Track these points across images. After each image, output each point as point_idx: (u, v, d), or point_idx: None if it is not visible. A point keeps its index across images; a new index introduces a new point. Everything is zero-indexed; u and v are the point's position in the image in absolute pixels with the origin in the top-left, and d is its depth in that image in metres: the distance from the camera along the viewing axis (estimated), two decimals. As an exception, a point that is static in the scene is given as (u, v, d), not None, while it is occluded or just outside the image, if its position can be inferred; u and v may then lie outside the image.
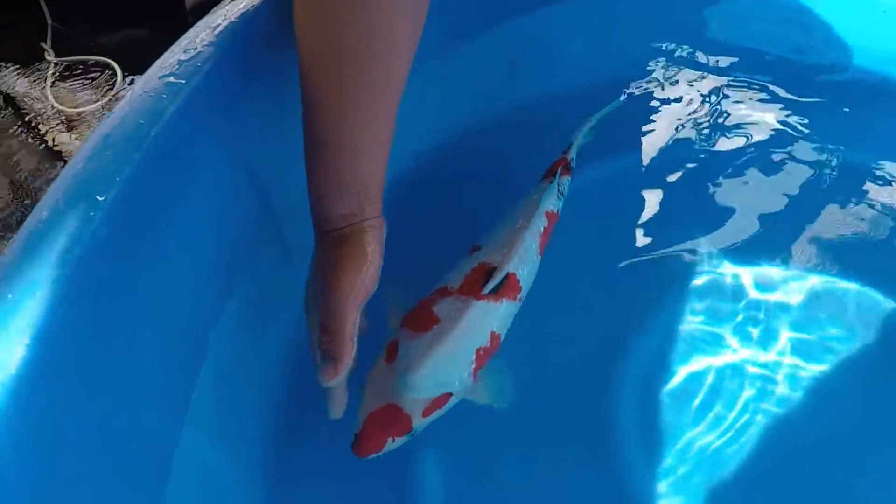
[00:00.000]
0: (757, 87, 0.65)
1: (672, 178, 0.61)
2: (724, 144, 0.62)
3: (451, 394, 0.41)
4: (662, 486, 0.45)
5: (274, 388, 0.48)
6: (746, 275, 0.54)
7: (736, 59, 0.65)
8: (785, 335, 0.51)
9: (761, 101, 0.64)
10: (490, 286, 0.43)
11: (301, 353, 0.42)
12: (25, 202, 1.27)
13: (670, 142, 0.63)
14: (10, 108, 1.40)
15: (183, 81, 0.36)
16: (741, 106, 0.64)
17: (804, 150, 0.60)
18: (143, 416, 0.34)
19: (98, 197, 0.31)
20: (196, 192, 0.38)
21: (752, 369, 0.49)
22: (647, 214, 0.58)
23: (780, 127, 0.62)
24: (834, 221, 0.56)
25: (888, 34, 0.61)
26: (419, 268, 0.47)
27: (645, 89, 0.65)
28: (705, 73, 0.66)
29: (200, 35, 0.39)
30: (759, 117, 0.63)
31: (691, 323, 0.52)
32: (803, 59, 0.64)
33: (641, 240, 0.57)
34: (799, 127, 0.62)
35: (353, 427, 0.40)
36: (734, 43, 0.65)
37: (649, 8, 0.64)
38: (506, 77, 0.64)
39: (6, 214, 1.26)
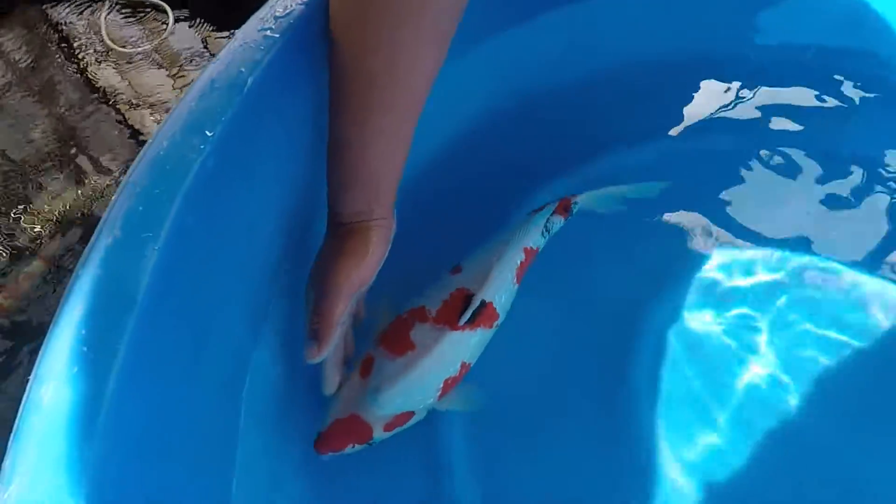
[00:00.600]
0: (799, 81, 0.66)
1: (705, 156, 0.63)
2: (755, 129, 0.64)
3: (413, 413, 0.44)
4: (668, 441, 0.49)
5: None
6: (762, 255, 0.57)
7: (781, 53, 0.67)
8: (794, 315, 0.54)
9: (802, 92, 0.66)
10: (466, 316, 0.45)
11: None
12: (64, 136, 1.31)
13: (701, 123, 0.65)
14: (60, 41, 1.44)
15: (277, 35, 0.41)
16: (783, 92, 0.66)
17: (835, 143, 0.62)
18: (231, 323, 0.40)
19: (207, 132, 0.36)
20: (281, 138, 0.43)
21: (761, 342, 0.53)
22: (672, 189, 0.60)
23: (815, 118, 0.64)
24: (860, 214, 0.58)
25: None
26: (445, 245, 0.51)
27: (682, 74, 0.68)
28: (751, 66, 0.67)
29: (295, -5, 0.43)
30: (800, 103, 0.65)
31: (705, 294, 0.55)
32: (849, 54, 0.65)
33: (664, 213, 0.60)
34: (836, 121, 0.64)
35: (320, 424, 0.43)
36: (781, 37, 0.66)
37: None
38: (543, 63, 0.66)
39: (42, 145, 1.31)
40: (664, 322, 0.54)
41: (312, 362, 0.42)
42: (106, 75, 1.47)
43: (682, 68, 0.66)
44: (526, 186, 0.61)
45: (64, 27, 1.45)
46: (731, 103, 0.67)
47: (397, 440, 0.45)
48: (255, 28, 0.41)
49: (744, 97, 0.67)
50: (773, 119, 0.65)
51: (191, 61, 1.43)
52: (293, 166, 0.45)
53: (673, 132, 0.65)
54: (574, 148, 0.63)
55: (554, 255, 0.53)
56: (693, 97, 0.68)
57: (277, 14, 0.41)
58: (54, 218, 1.18)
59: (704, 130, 0.65)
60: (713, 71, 0.68)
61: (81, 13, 1.44)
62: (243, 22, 0.42)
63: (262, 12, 0.41)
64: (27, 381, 0.29)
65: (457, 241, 0.53)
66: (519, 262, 0.49)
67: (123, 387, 0.29)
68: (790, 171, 0.62)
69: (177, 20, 1.27)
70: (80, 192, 1.20)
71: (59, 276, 1.09)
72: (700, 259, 0.57)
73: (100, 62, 1.48)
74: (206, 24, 1.38)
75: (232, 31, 1.30)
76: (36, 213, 1.18)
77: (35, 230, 1.15)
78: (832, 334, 0.53)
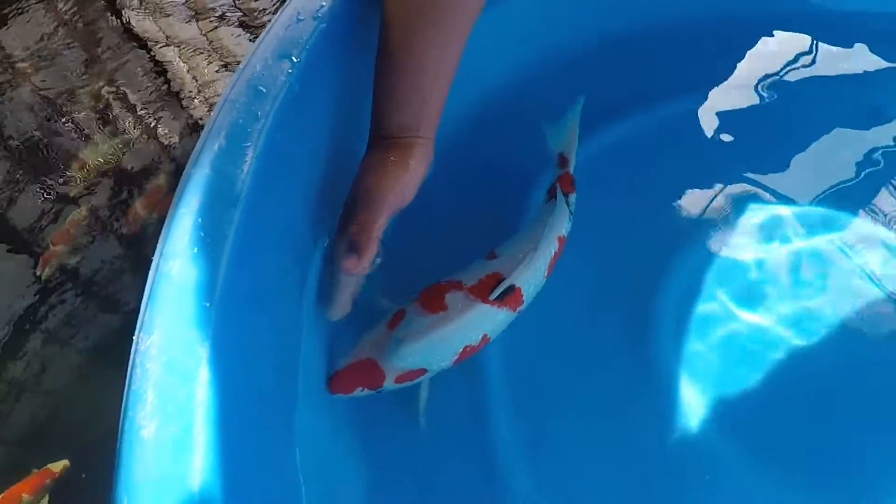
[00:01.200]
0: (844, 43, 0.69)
1: (735, 119, 0.66)
2: (793, 94, 0.67)
3: (425, 371, 0.45)
4: (689, 380, 0.53)
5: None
6: (792, 212, 0.60)
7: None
8: (814, 271, 0.57)
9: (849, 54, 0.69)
10: (497, 292, 0.46)
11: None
12: (99, 83, 1.36)
13: (738, 87, 0.68)
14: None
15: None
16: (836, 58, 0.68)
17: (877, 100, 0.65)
18: (297, 228, 0.45)
19: (294, 58, 0.41)
20: (343, 65, 0.47)
21: (779, 299, 0.56)
22: (706, 150, 0.64)
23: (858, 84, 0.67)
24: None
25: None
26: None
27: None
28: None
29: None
30: (844, 70, 0.68)
31: (731, 250, 0.58)
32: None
33: (695, 174, 0.63)
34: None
35: (336, 363, 0.45)
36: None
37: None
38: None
39: (75, 86, 1.36)
40: (688, 275, 0.57)
41: (351, 275, 0.42)
42: (141, 22, 1.50)
43: (726, 25, 0.69)
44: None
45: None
46: (779, 63, 0.69)
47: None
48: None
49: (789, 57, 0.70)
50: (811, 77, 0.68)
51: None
52: (347, 94, 0.49)
53: (717, 88, 0.68)
54: (615, 100, 0.66)
55: (584, 215, 0.55)
56: (741, 54, 0.70)
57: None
58: (94, 167, 1.23)
59: (744, 88, 0.68)
60: (760, 28, 0.71)
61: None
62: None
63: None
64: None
65: (491, 196, 0.56)
66: (553, 253, 0.50)
67: (232, 263, 0.35)
68: (820, 126, 0.65)
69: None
70: (115, 141, 1.25)
71: (99, 223, 1.15)
72: (730, 215, 0.60)
73: (136, 10, 1.51)
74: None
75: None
76: (78, 161, 1.23)
77: (76, 178, 1.21)
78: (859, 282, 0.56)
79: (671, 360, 0.54)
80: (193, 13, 1.46)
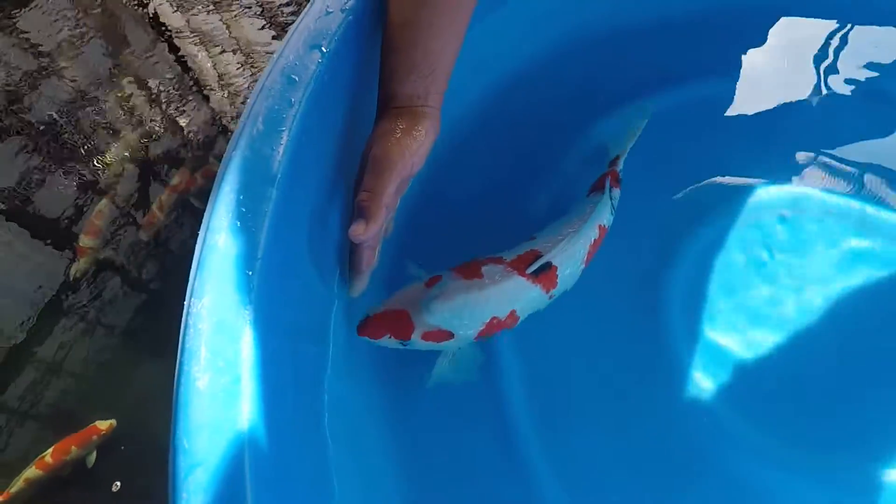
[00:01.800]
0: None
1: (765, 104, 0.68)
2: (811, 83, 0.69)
3: (452, 336, 0.46)
4: (700, 357, 0.55)
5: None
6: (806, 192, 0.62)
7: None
8: (820, 248, 0.60)
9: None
10: (534, 266, 0.47)
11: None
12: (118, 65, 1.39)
13: (745, 77, 0.70)
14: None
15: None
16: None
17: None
18: (324, 202, 0.49)
19: (323, 49, 0.45)
20: (363, 53, 0.50)
21: (786, 278, 0.58)
22: (714, 137, 0.66)
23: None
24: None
25: None
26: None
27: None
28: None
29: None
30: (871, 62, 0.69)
31: (738, 231, 0.61)
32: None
33: (702, 161, 0.65)
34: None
35: (370, 309, 0.46)
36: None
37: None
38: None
39: (93, 71, 1.39)
40: (698, 250, 0.60)
41: (357, 240, 0.43)
42: (165, 13, 1.54)
43: (732, 14, 0.71)
44: (593, 115, 0.67)
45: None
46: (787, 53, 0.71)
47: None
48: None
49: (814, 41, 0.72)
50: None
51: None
52: (368, 75, 0.51)
53: (724, 78, 0.70)
54: (640, 79, 0.69)
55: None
56: (757, 43, 0.72)
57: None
58: (118, 157, 1.27)
59: (750, 78, 0.70)
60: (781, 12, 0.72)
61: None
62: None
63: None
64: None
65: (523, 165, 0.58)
66: (593, 240, 0.52)
67: (270, 235, 0.39)
68: (826, 113, 0.67)
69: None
70: (137, 132, 1.29)
71: (123, 213, 1.20)
72: (737, 201, 0.63)
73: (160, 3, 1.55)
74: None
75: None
76: (103, 152, 1.27)
77: (102, 169, 1.25)
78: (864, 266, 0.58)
79: (680, 339, 0.57)
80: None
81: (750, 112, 0.69)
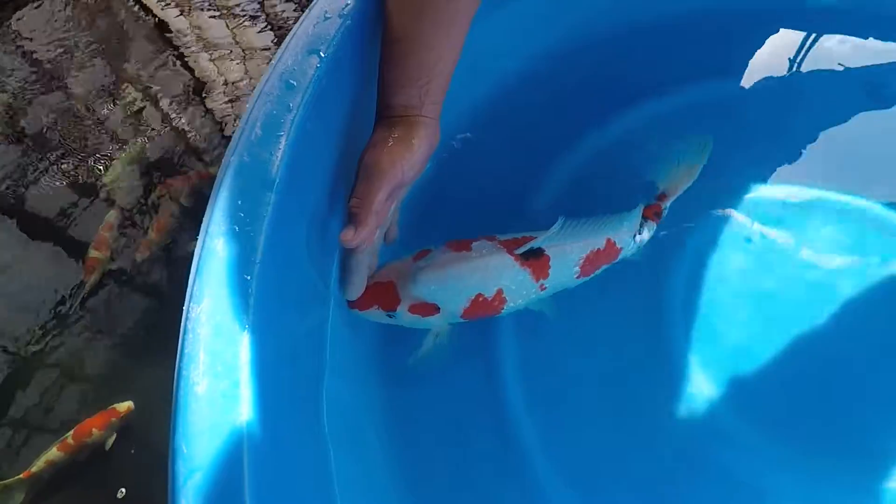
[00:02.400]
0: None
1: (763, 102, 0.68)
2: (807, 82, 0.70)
3: (437, 310, 0.46)
4: (700, 357, 0.56)
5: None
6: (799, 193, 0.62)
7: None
8: (821, 248, 0.59)
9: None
10: (523, 248, 0.47)
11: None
12: (122, 64, 1.39)
13: (749, 77, 0.71)
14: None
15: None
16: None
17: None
18: (322, 207, 0.49)
19: (321, 53, 0.45)
20: (361, 60, 0.51)
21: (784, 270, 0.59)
22: (719, 139, 0.64)
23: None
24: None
25: None
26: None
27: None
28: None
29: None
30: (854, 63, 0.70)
31: (738, 230, 0.61)
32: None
33: (708, 162, 0.64)
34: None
35: None
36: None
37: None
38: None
39: (100, 74, 1.40)
40: (699, 247, 0.61)
41: (347, 246, 0.43)
42: (168, 17, 1.55)
43: (746, 15, 0.72)
44: (596, 116, 0.68)
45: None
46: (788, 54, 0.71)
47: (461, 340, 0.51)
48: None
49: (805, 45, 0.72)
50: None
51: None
52: (366, 81, 0.51)
53: (729, 78, 0.71)
54: (640, 83, 0.69)
55: (593, 203, 0.59)
56: (759, 44, 0.73)
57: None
58: (124, 165, 1.27)
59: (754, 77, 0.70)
60: (777, 20, 0.73)
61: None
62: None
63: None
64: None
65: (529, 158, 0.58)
66: (596, 249, 0.50)
67: (268, 240, 0.39)
68: (828, 111, 0.67)
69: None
70: (140, 138, 1.30)
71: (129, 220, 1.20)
72: (738, 200, 0.63)
73: (163, 7, 1.55)
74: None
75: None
76: (107, 157, 1.28)
77: (104, 174, 1.25)
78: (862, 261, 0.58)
79: (680, 338, 0.57)
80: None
81: (750, 112, 0.69)
